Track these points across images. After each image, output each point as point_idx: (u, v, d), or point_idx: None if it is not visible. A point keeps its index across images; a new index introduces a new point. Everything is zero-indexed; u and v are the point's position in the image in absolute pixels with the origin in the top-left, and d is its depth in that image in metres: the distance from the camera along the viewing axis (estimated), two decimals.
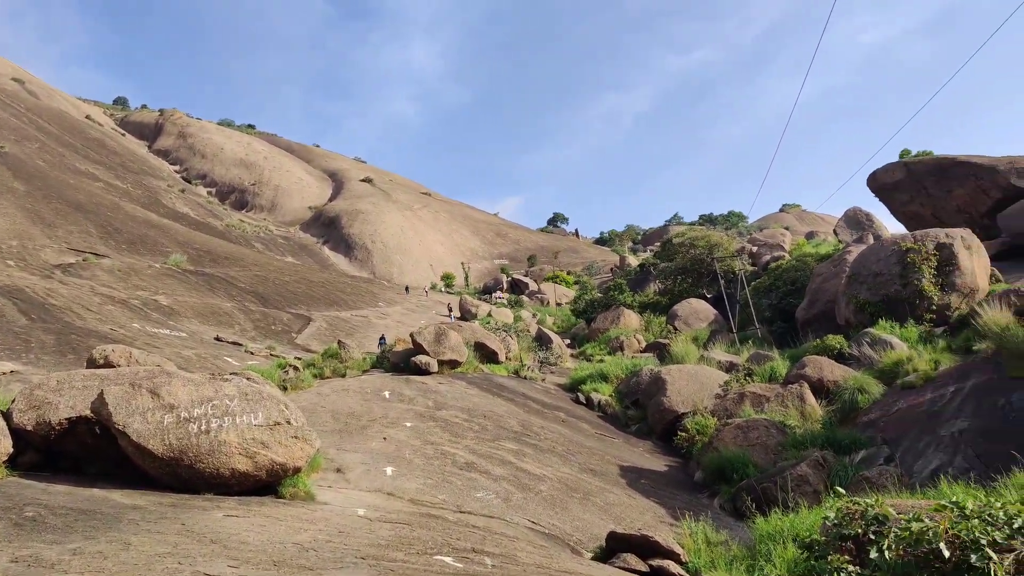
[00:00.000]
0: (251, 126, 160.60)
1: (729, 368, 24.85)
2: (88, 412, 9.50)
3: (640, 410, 22.93)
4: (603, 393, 25.29)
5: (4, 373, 17.26)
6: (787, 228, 78.01)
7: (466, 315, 54.05)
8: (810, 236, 63.83)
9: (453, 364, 25.13)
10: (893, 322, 23.12)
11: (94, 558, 5.15)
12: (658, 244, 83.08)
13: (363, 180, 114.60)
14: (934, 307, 23.61)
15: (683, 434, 18.81)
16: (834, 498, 6.74)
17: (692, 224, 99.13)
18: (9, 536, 5.69)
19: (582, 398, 25.44)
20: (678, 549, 9.66)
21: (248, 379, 12.25)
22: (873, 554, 4.59)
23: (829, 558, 5.06)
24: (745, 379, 22.06)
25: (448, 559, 6.71)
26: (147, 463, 9.04)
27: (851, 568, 4.88)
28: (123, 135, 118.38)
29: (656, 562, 9.38)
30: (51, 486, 8.50)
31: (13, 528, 5.98)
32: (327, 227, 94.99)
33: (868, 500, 5.26)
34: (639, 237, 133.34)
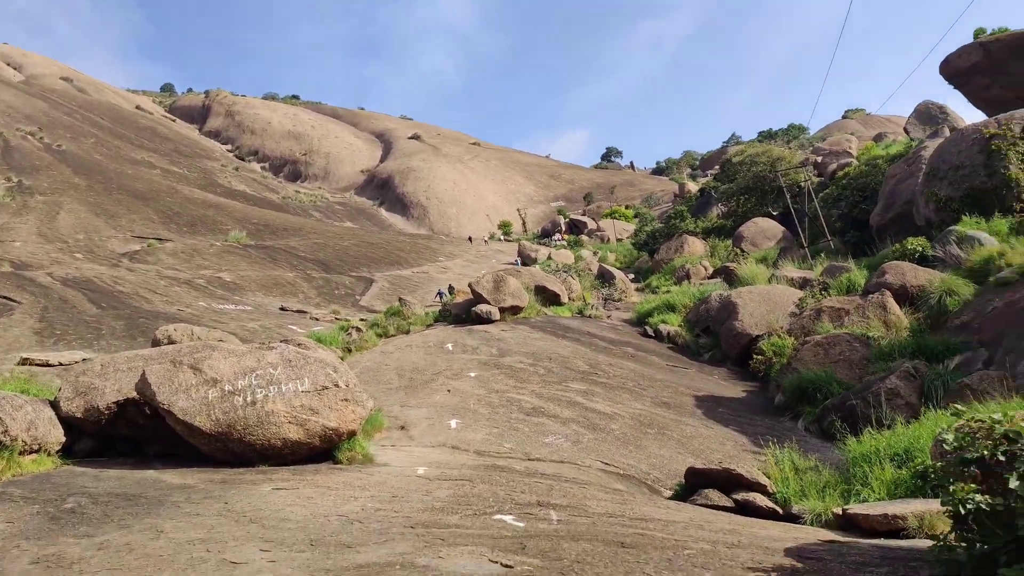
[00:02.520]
0: (295, 97, 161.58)
1: (803, 285, 23.47)
2: (134, 394, 9.28)
3: (712, 337, 21.95)
4: (671, 324, 24.35)
5: (76, 362, 17.56)
6: (852, 134, 73.63)
7: (526, 260, 53.39)
8: (878, 138, 59.94)
9: (515, 310, 24.58)
10: (979, 217, 21.17)
11: (118, 552, 4.76)
12: (717, 167, 79.98)
13: (411, 138, 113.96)
14: None
15: (759, 357, 17.82)
16: (944, 413, 5.84)
17: (751, 142, 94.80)
18: (40, 532, 5.38)
19: (650, 331, 24.58)
20: (764, 479, 8.89)
21: (299, 344, 11.92)
22: (1014, 483, 3.71)
23: (951, 488, 4.17)
24: (821, 294, 20.72)
25: (508, 518, 6.13)
26: (198, 440, 8.78)
27: (980, 498, 4.00)
28: (173, 121, 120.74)
29: (741, 496, 8.65)
30: (104, 471, 8.31)
31: (48, 523, 5.68)
32: (381, 188, 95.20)
33: (993, 414, 4.33)
34: (697, 162, 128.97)
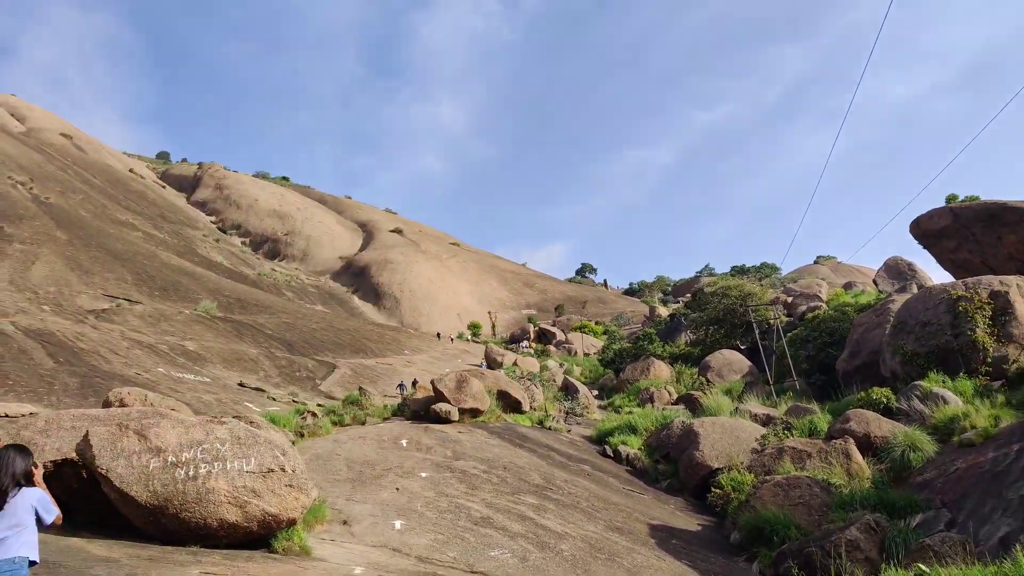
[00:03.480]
0: (285, 178, 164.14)
1: (766, 421, 23.49)
2: (74, 455, 8.82)
3: (671, 464, 21.66)
4: (632, 446, 24.06)
5: (23, 415, 16.77)
6: (823, 279, 76.21)
7: (492, 364, 53.13)
8: (848, 287, 62.09)
9: (475, 413, 24.20)
10: (944, 375, 21.63)
11: None
12: (689, 295, 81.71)
13: (393, 231, 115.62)
14: (989, 359, 22.05)
15: (717, 491, 17.53)
16: (907, 573, 5.69)
17: (724, 275, 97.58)
18: None
19: (609, 451, 24.23)
20: None
21: (251, 422, 11.53)
22: None
23: None
24: (784, 433, 20.71)
25: None
26: (130, 511, 8.28)
27: None
28: (164, 187, 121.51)
29: None
30: None
31: None
32: (357, 276, 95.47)
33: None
34: (669, 288, 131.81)
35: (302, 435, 19.51)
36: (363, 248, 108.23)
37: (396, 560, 9.88)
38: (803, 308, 49.15)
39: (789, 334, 39.13)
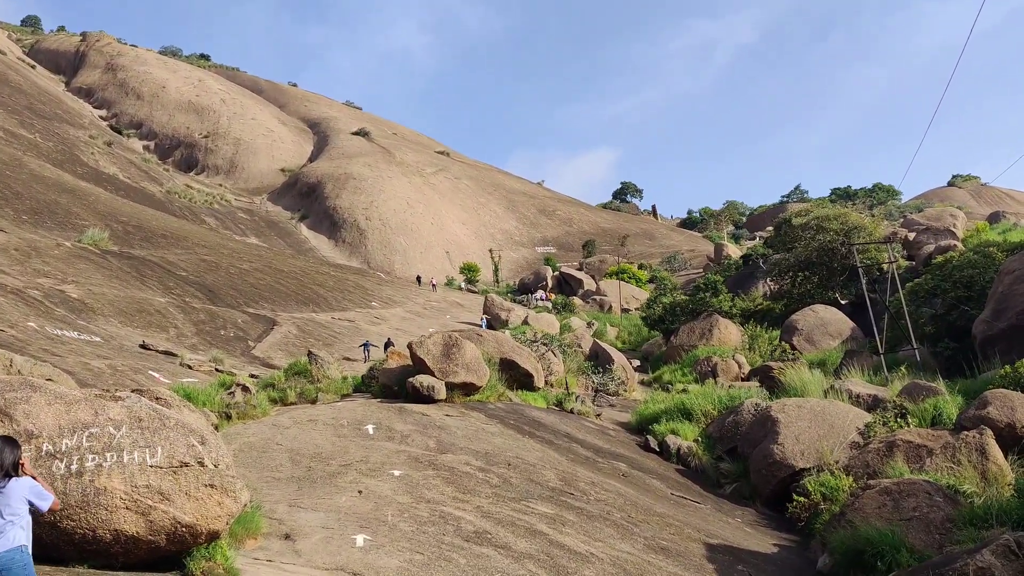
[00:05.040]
0: (204, 56, 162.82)
1: (872, 405, 23.64)
2: None
3: (738, 463, 21.90)
4: (685, 437, 24.33)
5: None
6: (959, 207, 75.83)
7: (493, 322, 53.47)
8: (994, 218, 61.86)
9: (468, 388, 24.43)
10: None
11: None
12: (771, 228, 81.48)
13: (356, 133, 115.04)
14: None
15: (801, 499, 17.73)
16: None
17: (820, 201, 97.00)
18: None
19: (654, 443, 24.51)
20: None
21: (157, 399, 11.66)
22: None
23: None
24: (896, 421, 20.84)
25: None
26: None
27: None
28: (33, 67, 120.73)
29: None
30: None
31: None
32: (305, 197, 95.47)
33: None
34: (743, 219, 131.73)
35: (229, 417, 19.78)
36: (314, 157, 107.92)
37: None
38: (930, 248, 49.06)
39: (909, 284, 39.09)
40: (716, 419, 25.06)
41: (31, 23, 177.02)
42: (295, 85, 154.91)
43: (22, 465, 6.35)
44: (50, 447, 8.58)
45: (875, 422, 20.82)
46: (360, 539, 12.15)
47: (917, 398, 22.34)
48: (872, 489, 15.33)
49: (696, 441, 24.13)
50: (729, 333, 42.49)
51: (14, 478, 6.21)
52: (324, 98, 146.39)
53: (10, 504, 6.11)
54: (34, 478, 6.49)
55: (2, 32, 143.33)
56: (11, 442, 6.47)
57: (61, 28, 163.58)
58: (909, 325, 33.33)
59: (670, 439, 24.26)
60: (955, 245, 46.48)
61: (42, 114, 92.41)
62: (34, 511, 6.38)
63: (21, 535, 6.12)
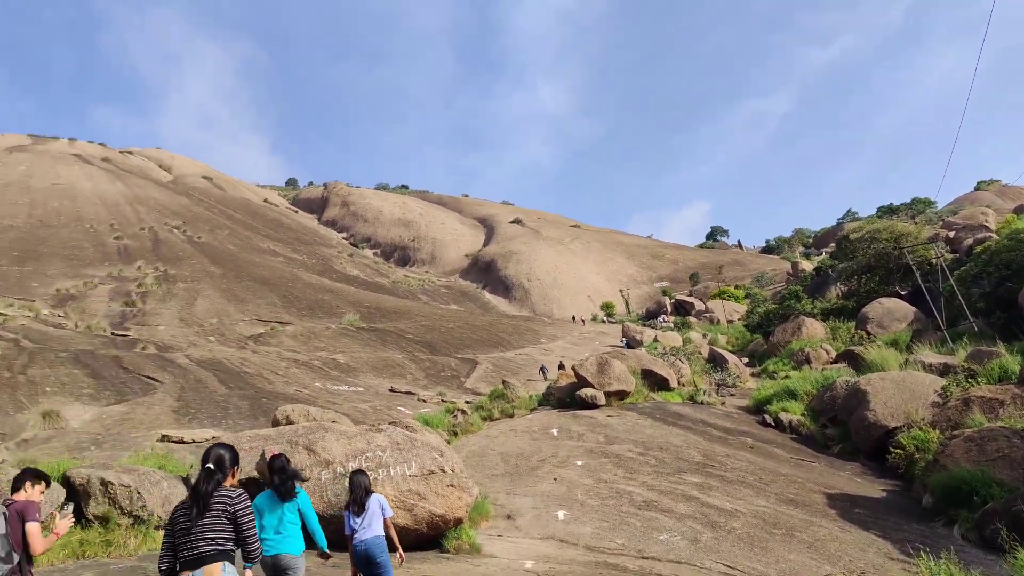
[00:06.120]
0: (404, 186, 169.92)
1: (944, 371, 21.51)
2: (255, 473, 9.43)
3: (839, 428, 20.33)
4: (793, 412, 22.84)
5: (207, 439, 18.33)
6: (988, 207, 69.08)
7: (631, 342, 52.39)
8: (1020, 210, 55.86)
9: (621, 395, 23.88)
10: None
11: None
12: (832, 244, 76.71)
13: (512, 222, 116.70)
14: None
15: (898, 451, 16.23)
16: None
17: (870, 218, 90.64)
18: None
19: (770, 420, 23.14)
20: None
21: (406, 427, 11.89)
22: None
23: None
24: (968, 381, 18.84)
25: None
26: None
27: None
28: (296, 212, 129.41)
29: None
30: None
31: None
32: (484, 271, 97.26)
33: None
34: (810, 240, 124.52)
35: (455, 433, 20.03)
36: (486, 243, 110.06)
37: (564, 551, 9.84)
38: (969, 241, 44.78)
39: (956, 272, 35.73)
40: (816, 396, 23.45)
41: (291, 183, 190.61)
42: (467, 195, 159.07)
43: (372, 488, 7.60)
44: (341, 470, 8.83)
45: (950, 384, 18.92)
46: (561, 514, 11.91)
47: (982, 360, 20.20)
48: (958, 438, 13.85)
49: (803, 415, 22.62)
50: (814, 328, 39.97)
51: (373, 494, 7.33)
52: (487, 201, 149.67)
53: (372, 511, 7.22)
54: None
55: (274, 192, 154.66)
56: (363, 472, 7.56)
57: (310, 183, 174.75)
58: (963, 304, 30.38)
59: (782, 415, 22.85)
60: (991, 236, 42.23)
61: (305, 242, 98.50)
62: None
63: (379, 528, 7.21)
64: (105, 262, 59.94)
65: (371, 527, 7.19)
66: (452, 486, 9.06)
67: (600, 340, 58.24)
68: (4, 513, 4.85)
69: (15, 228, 67.29)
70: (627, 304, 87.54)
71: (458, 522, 9.13)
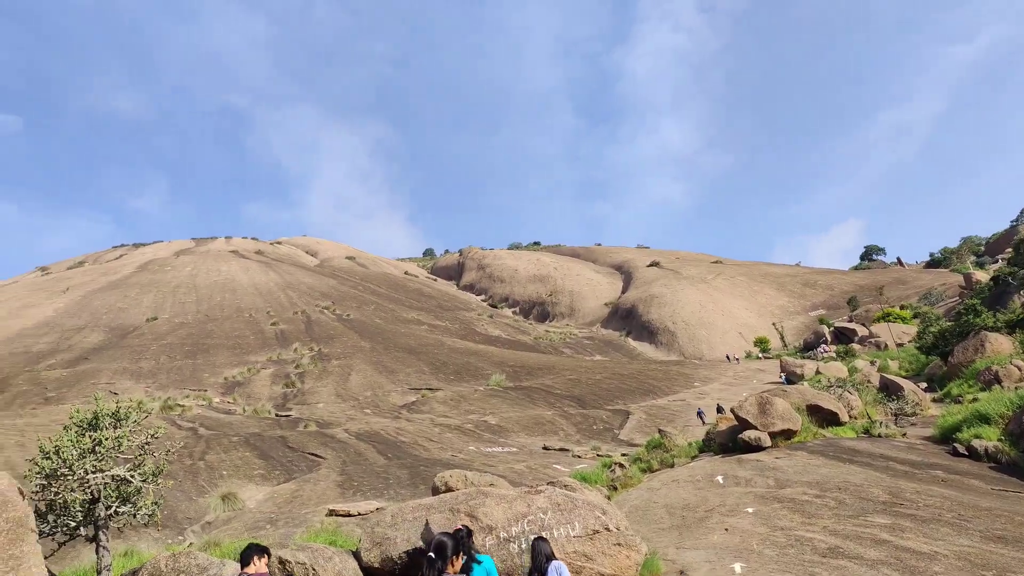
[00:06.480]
0: (537, 243, 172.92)
1: None
2: (420, 543, 9.77)
3: None
4: (988, 438, 20.59)
5: (372, 511, 19.21)
6: None
7: (791, 377, 49.67)
8: None
9: (787, 434, 22.60)
10: None
11: None
12: (1009, 250, 69.58)
13: (650, 265, 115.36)
14: None
15: None
16: None
17: None
18: None
19: (961, 448, 20.97)
20: None
21: (565, 486, 11.92)
22: None
23: None
24: None
25: None
26: None
27: None
28: (435, 280, 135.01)
29: None
30: None
31: None
32: (625, 319, 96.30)
33: None
34: (981, 248, 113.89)
35: (615, 488, 19.73)
36: (625, 289, 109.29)
37: None
38: None
39: None
40: (1012, 418, 21.07)
41: (428, 253, 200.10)
42: (599, 244, 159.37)
43: (555, 554, 7.81)
44: (504, 535, 8.97)
45: None
46: (737, 567, 11.37)
47: None
48: None
49: (999, 440, 20.36)
50: (1000, 343, 36.16)
51: (554, 560, 7.41)
52: (621, 247, 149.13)
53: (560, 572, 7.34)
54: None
55: (412, 263, 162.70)
56: (544, 539, 7.72)
57: (446, 251, 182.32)
58: None
59: (976, 442, 20.67)
60: None
61: (446, 308, 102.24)
62: None
63: None
64: (265, 347, 65.10)
65: None
66: (619, 544, 8.94)
67: (757, 378, 55.64)
68: None
69: (186, 325, 74.84)
70: (782, 337, 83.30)
71: None
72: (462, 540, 6.60)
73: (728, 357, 71.52)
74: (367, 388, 49.71)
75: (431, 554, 5.01)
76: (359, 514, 17.32)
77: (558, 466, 27.06)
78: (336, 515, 17.22)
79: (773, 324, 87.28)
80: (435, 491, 15.64)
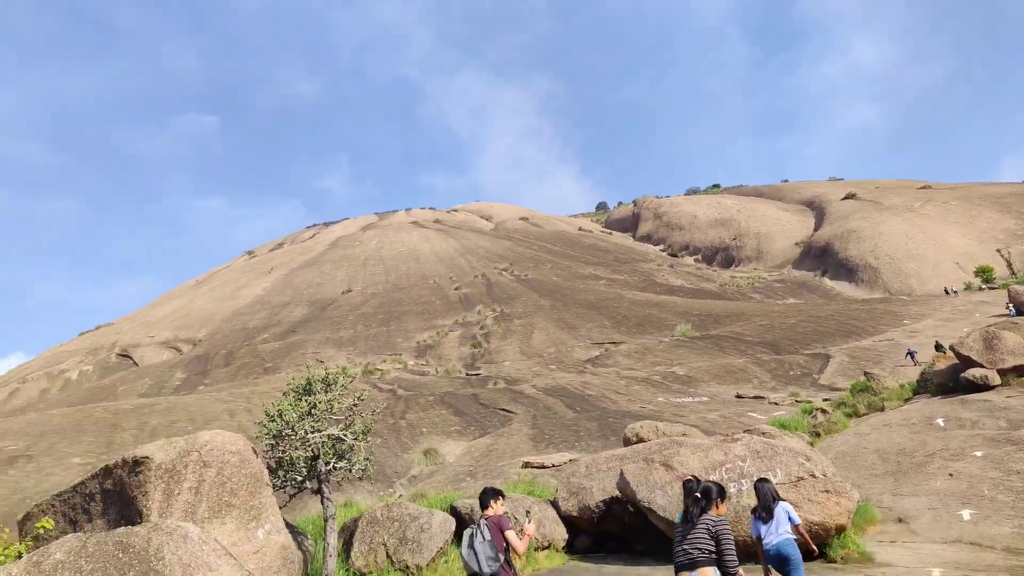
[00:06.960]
0: (716, 186, 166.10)
1: None
2: (617, 492, 9.97)
3: None
4: None
5: (564, 463, 19.87)
6: None
7: (1022, 309, 44.18)
8: None
9: (1020, 371, 20.24)
10: None
11: None
12: None
13: (845, 198, 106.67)
14: None
15: None
16: None
17: None
18: None
19: None
20: None
21: (763, 433, 11.57)
22: None
23: None
24: None
25: None
26: None
27: None
28: (610, 234, 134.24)
29: None
30: (603, 567, 9.03)
31: None
32: (819, 258, 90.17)
33: None
34: None
35: (817, 435, 18.86)
36: (817, 227, 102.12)
37: (979, 555, 8.65)
38: None
39: None
40: None
41: (601, 206, 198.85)
42: (786, 181, 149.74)
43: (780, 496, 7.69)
44: None
45: None
46: (966, 514, 10.50)
47: None
48: None
49: None
50: None
51: (780, 501, 7.52)
52: (811, 182, 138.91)
53: (778, 516, 7.42)
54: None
55: (586, 219, 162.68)
56: (767, 480, 7.63)
57: (620, 203, 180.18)
58: None
59: None
60: None
61: (623, 261, 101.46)
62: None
63: (786, 530, 7.36)
64: (450, 311, 68.50)
65: (779, 531, 7.47)
66: (827, 491, 8.57)
67: (980, 311, 50.06)
68: (487, 525, 6.01)
69: (377, 295, 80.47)
70: (1009, 264, 73.93)
71: (840, 529, 8.58)
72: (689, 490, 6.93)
73: (946, 290, 64.86)
74: (550, 345, 50.89)
75: (697, 494, 5.60)
76: (553, 465, 17.96)
77: (754, 414, 26.24)
78: (531, 467, 17.98)
79: (998, 250, 77.57)
80: (626, 442, 15.82)
